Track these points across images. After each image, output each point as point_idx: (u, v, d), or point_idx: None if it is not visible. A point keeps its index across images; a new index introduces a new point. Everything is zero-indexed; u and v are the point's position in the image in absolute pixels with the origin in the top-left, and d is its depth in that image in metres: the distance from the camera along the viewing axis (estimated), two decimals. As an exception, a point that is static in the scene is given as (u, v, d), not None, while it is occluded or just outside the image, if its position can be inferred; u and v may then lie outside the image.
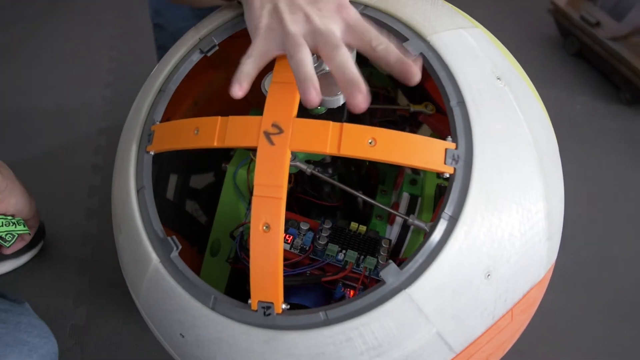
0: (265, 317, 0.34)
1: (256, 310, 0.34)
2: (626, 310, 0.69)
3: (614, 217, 0.82)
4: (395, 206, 0.51)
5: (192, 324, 0.37)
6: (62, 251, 0.72)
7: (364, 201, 0.53)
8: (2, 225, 0.47)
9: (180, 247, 0.37)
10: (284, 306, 0.34)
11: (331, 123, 0.33)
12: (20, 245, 0.54)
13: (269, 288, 0.34)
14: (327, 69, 0.37)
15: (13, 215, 0.49)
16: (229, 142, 0.34)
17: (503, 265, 0.35)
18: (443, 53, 0.37)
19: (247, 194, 0.52)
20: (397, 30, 0.37)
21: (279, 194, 0.33)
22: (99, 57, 1.00)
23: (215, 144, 0.35)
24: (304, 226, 0.45)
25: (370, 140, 0.33)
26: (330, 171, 0.46)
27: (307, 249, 0.44)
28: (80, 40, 1.04)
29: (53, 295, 0.66)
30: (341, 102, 0.37)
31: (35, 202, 0.53)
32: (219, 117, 0.35)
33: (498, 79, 0.38)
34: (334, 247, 0.43)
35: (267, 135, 0.33)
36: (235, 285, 0.53)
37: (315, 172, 0.42)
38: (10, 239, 0.48)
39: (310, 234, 0.44)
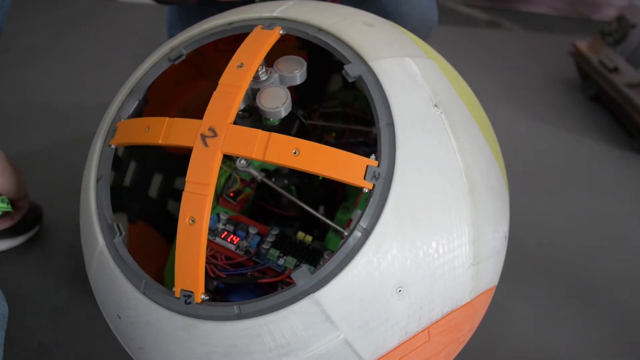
0: (186, 305, 0.37)
1: (179, 298, 0.37)
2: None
3: (614, 263, 0.81)
4: (349, 222, 0.53)
5: (127, 306, 0.40)
6: (56, 236, 0.77)
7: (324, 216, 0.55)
8: None
9: (123, 233, 0.41)
10: (203, 296, 0.37)
11: (260, 132, 0.36)
12: (7, 224, 0.58)
13: (191, 278, 0.36)
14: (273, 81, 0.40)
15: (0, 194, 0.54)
16: (171, 141, 0.38)
17: (417, 282, 0.37)
18: (381, 77, 0.39)
19: (216, 198, 0.55)
20: (342, 54, 0.40)
21: (206, 191, 0.36)
22: (123, 62, 1.07)
23: (160, 141, 0.38)
24: (252, 230, 0.47)
25: (294, 151, 0.36)
26: (285, 181, 0.49)
27: (252, 251, 0.46)
28: (107, 47, 1.13)
29: (39, 276, 0.71)
30: (282, 114, 0.40)
31: (26, 185, 0.58)
32: (167, 118, 0.39)
33: (435, 106, 0.40)
34: (275, 252, 0.45)
35: (203, 137, 0.36)
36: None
37: (265, 180, 0.45)
38: None
39: (257, 238, 0.47)
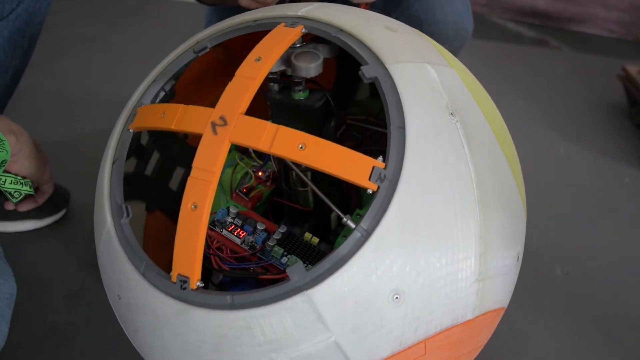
0: (181, 291, 0.37)
1: (175, 283, 0.37)
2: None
3: None
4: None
5: (126, 286, 0.41)
6: (80, 221, 0.79)
7: (337, 220, 0.55)
8: (11, 183, 0.55)
9: (130, 215, 0.42)
10: (198, 283, 0.37)
11: (269, 124, 0.36)
12: (31, 206, 0.61)
13: (188, 263, 0.37)
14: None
15: (24, 177, 0.56)
16: (183, 127, 0.38)
17: (415, 291, 0.36)
18: (397, 81, 0.39)
19: (228, 190, 0.55)
20: (361, 55, 0.40)
21: (210, 178, 0.36)
22: (162, 57, 1.10)
23: (173, 126, 0.39)
24: (260, 226, 0.47)
25: (300, 145, 0.35)
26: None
27: (257, 247, 0.46)
28: (150, 42, 1.16)
29: (59, 258, 0.73)
30: (312, 73, 0.42)
31: (51, 170, 0.61)
32: (182, 105, 0.39)
33: (451, 114, 0.39)
34: (279, 250, 0.45)
35: (214, 125, 0.37)
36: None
37: (290, 164, 0.45)
38: (17, 196, 0.55)
39: (264, 235, 0.47)
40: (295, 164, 0.47)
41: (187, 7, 1.45)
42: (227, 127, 0.37)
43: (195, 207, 0.36)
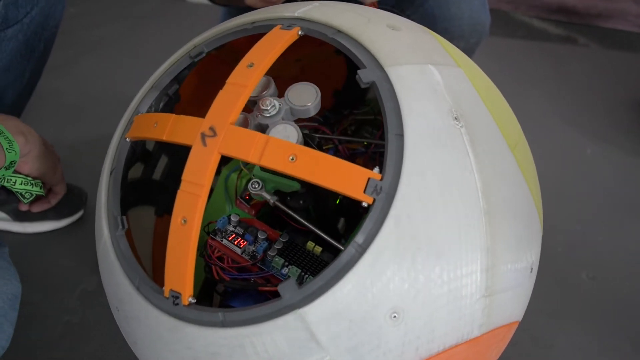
0: (173, 306, 0.36)
1: (167, 298, 0.36)
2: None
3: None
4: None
5: (123, 299, 0.40)
6: (97, 223, 0.80)
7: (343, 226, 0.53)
8: (22, 184, 0.55)
9: (126, 226, 0.41)
10: (190, 299, 0.36)
11: (259, 134, 0.35)
12: (44, 207, 0.61)
13: (179, 279, 0.36)
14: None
15: (34, 178, 0.56)
16: (174, 138, 0.37)
17: (415, 310, 0.34)
18: (396, 84, 0.36)
19: (233, 197, 0.54)
20: (358, 58, 0.38)
21: (200, 191, 0.35)
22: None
23: (164, 137, 0.38)
24: (262, 235, 0.46)
25: (291, 157, 0.34)
26: (301, 202, 0.47)
27: (258, 257, 0.45)
28: (169, 43, 1.16)
29: (76, 259, 0.74)
30: (311, 113, 0.39)
31: (62, 170, 0.61)
32: (173, 115, 0.38)
33: (455, 119, 0.37)
34: (279, 261, 0.44)
35: (203, 136, 0.36)
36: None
37: (277, 203, 0.44)
38: (29, 197, 0.56)
39: (265, 244, 0.45)
40: (293, 202, 0.46)
41: (205, 8, 1.45)
42: (217, 138, 0.35)
43: (185, 221, 0.35)
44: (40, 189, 0.56)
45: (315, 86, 0.40)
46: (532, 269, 0.42)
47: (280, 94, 0.41)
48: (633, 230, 0.84)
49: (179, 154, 0.63)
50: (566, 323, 0.69)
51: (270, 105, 0.38)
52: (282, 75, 0.44)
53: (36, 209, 0.61)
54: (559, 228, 0.79)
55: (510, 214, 0.38)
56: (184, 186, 0.35)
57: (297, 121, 0.39)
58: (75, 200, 0.80)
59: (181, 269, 0.35)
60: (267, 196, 0.43)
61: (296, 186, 0.44)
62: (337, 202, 0.50)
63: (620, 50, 1.34)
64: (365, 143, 0.57)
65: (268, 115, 0.38)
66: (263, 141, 0.34)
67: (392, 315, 0.34)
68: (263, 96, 0.40)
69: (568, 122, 1.09)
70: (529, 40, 1.36)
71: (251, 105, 0.40)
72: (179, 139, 0.37)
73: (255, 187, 0.43)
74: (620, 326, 0.69)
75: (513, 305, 0.40)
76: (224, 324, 0.35)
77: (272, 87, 0.41)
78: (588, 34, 1.39)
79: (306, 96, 0.40)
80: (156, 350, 0.39)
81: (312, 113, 0.40)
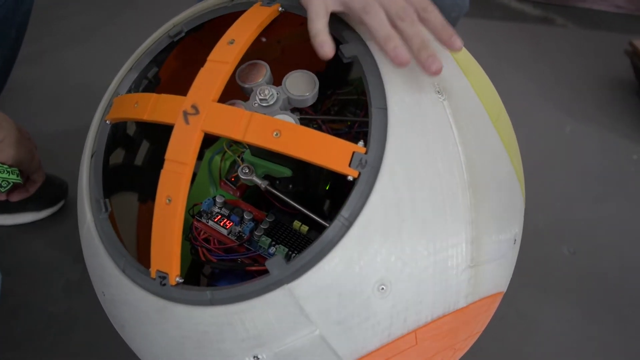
0: (161, 287, 0.36)
1: (154, 279, 0.36)
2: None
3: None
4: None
5: (109, 283, 0.40)
6: (78, 213, 0.79)
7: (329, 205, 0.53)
8: None
9: (109, 209, 0.40)
10: (178, 279, 0.36)
11: (242, 111, 0.34)
12: (23, 195, 0.60)
13: (165, 259, 0.35)
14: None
15: (10, 166, 0.55)
16: (155, 117, 0.37)
17: (402, 281, 0.34)
18: (378, 58, 0.36)
19: (217, 179, 0.54)
20: (340, 33, 0.38)
21: (183, 170, 0.34)
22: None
23: (145, 117, 0.37)
24: (247, 215, 0.46)
25: (275, 133, 0.34)
26: (290, 186, 0.47)
27: (244, 237, 0.45)
28: (151, 30, 1.14)
29: (59, 249, 0.73)
30: (309, 103, 0.38)
31: (39, 158, 0.59)
32: (154, 95, 0.38)
33: (437, 92, 0.37)
34: (266, 240, 0.44)
35: (185, 114, 0.35)
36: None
37: (269, 187, 0.43)
38: (5, 185, 0.55)
39: (252, 224, 0.45)
40: (282, 187, 0.45)
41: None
42: (199, 116, 0.35)
43: (169, 200, 0.35)
44: (18, 177, 0.55)
45: (314, 75, 0.40)
46: (515, 240, 0.43)
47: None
48: (612, 205, 0.86)
49: (160, 140, 0.62)
50: (549, 297, 0.70)
51: (269, 94, 0.38)
52: (263, 57, 0.44)
53: (14, 198, 0.60)
54: (540, 204, 0.80)
55: (493, 186, 0.39)
56: (167, 165, 0.35)
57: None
58: (56, 190, 0.78)
59: (167, 248, 0.35)
60: (258, 181, 0.43)
61: (287, 172, 0.43)
62: (327, 188, 0.50)
63: (597, 30, 1.36)
64: (349, 123, 0.57)
65: (266, 105, 0.38)
66: (247, 117, 0.34)
67: (380, 288, 0.34)
68: (260, 84, 0.39)
69: (547, 102, 1.10)
70: (508, 22, 1.37)
71: (247, 93, 0.40)
72: (161, 117, 0.36)
73: (245, 172, 0.43)
74: (601, 298, 0.70)
75: (498, 275, 0.41)
76: (212, 302, 0.35)
77: (268, 74, 0.40)
78: (565, 14, 1.40)
79: (304, 86, 0.39)
80: (145, 333, 0.39)
81: (310, 103, 0.40)
